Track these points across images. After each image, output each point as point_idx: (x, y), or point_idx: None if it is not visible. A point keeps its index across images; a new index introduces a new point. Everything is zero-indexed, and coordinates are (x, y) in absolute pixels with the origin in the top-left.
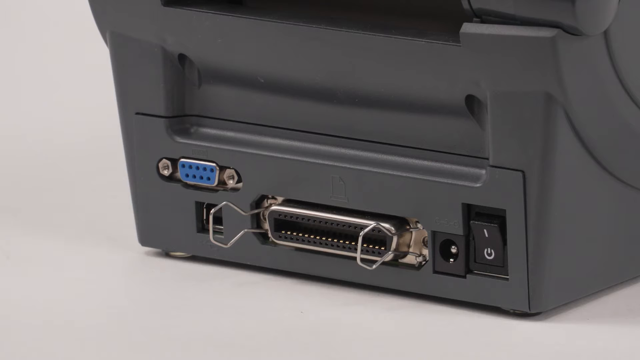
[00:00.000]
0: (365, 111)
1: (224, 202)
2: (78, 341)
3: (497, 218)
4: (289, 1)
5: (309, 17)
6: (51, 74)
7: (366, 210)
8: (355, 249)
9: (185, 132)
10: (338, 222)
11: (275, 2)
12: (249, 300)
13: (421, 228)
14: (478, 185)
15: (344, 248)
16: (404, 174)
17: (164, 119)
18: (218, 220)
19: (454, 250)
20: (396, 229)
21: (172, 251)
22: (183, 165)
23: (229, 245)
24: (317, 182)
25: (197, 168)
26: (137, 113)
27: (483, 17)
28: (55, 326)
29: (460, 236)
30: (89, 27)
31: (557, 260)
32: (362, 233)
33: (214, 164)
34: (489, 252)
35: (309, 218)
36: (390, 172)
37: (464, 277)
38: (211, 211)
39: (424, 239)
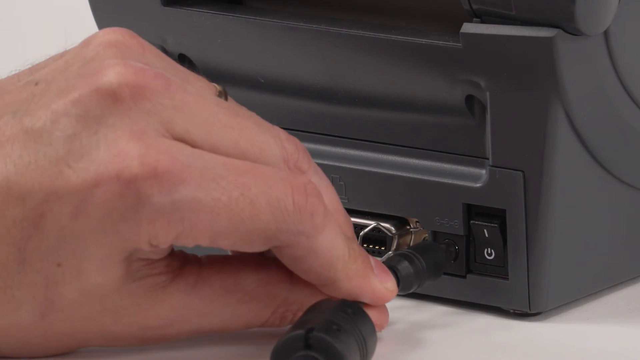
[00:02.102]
0: (365, 111)
1: None
2: None
3: (497, 218)
4: (289, 1)
5: (309, 17)
6: None
7: (366, 210)
8: None
9: None
10: None
11: (275, 2)
12: None
13: (421, 228)
14: (478, 185)
15: None
16: (404, 174)
17: None
18: None
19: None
20: (396, 229)
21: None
22: None
23: None
24: None
25: None
26: None
27: (483, 17)
28: None
29: (461, 236)
30: (89, 27)
31: (557, 260)
32: (362, 233)
33: None
34: (489, 252)
35: None
36: (390, 172)
37: (464, 277)
38: None
39: (424, 239)
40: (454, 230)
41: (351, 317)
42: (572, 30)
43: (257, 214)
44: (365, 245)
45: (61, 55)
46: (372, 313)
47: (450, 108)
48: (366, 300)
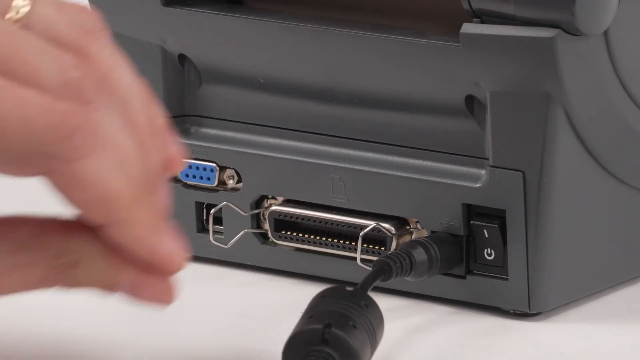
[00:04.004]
0: (365, 111)
1: (224, 202)
2: (77, 340)
3: (497, 218)
4: (289, 1)
5: (309, 17)
6: None
7: (366, 210)
8: (355, 249)
9: (185, 132)
10: (338, 222)
11: (275, 2)
12: (249, 300)
13: (421, 228)
14: (478, 185)
15: (344, 248)
16: (404, 174)
17: None
18: (218, 220)
19: None
20: (396, 229)
21: None
22: None
23: (229, 245)
24: (317, 182)
25: (197, 168)
26: None
27: (483, 17)
28: (54, 326)
29: (461, 236)
30: None
31: (557, 260)
32: (362, 233)
33: (214, 164)
34: (489, 252)
35: (309, 218)
36: (390, 172)
37: (464, 277)
38: (211, 211)
39: None
40: (453, 231)
41: (365, 310)
42: (572, 30)
43: (4, 130)
44: (365, 246)
45: None
46: (155, 284)
47: (450, 108)
48: (150, 258)
